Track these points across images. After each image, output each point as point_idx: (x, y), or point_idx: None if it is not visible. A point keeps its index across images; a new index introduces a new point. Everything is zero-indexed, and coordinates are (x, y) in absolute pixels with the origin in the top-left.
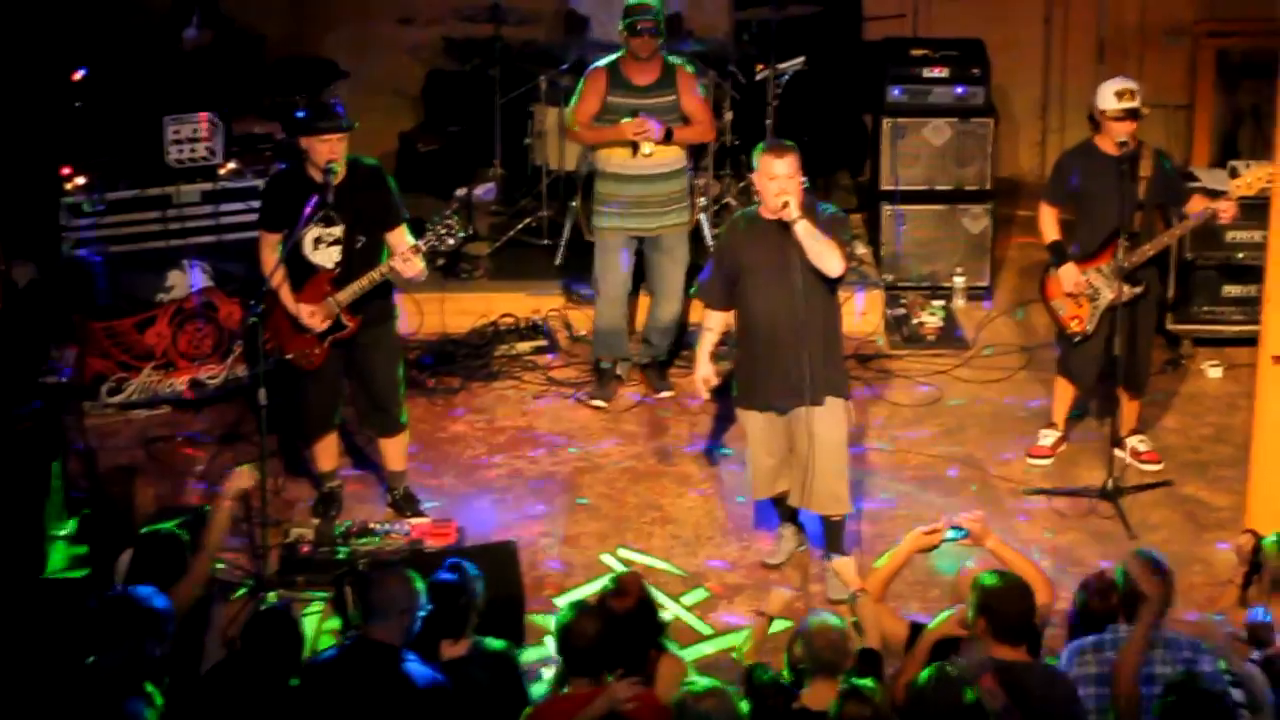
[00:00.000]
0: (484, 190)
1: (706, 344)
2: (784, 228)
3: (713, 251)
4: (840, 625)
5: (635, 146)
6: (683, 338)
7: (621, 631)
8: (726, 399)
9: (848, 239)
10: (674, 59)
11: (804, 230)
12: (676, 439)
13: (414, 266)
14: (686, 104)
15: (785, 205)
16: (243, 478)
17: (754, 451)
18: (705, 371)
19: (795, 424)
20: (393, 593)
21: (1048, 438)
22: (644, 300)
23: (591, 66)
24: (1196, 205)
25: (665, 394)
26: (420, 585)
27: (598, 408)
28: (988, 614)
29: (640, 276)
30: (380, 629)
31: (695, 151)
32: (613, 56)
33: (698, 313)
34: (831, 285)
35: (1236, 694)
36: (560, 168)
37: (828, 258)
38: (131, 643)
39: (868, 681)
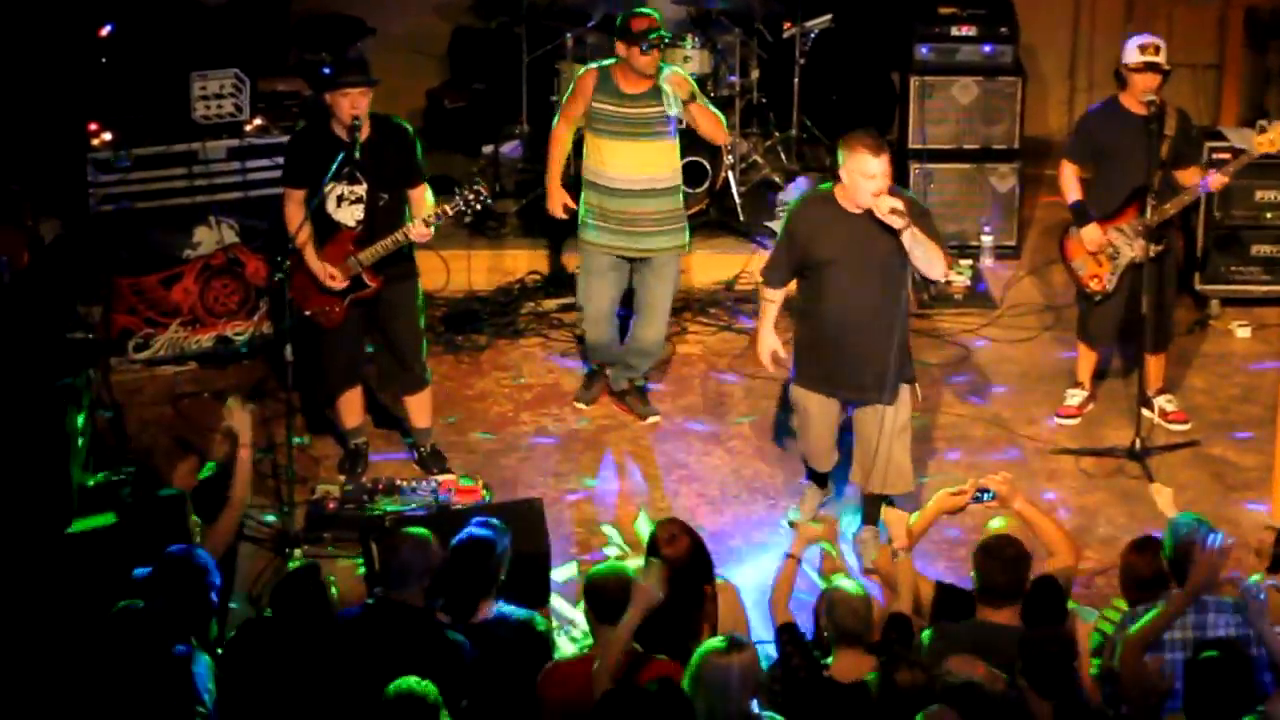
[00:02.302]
0: (510, 147)
1: (770, 317)
2: (871, 221)
3: (781, 233)
4: (861, 593)
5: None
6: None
7: (681, 576)
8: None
9: (937, 230)
10: (667, 67)
11: (912, 239)
12: (704, 397)
13: (426, 233)
14: (691, 112)
15: (893, 211)
16: (233, 415)
17: (812, 430)
18: (773, 344)
19: (862, 412)
20: (407, 559)
21: (1075, 397)
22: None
23: (585, 68)
24: (1192, 177)
25: (653, 419)
26: (434, 543)
27: (579, 409)
28: (977, 573)
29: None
30: (399, 594)
31: (721, 109)
32: (606, 61)
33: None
34: (908, 274)
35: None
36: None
37: (935, 264)
38: (176, 595)
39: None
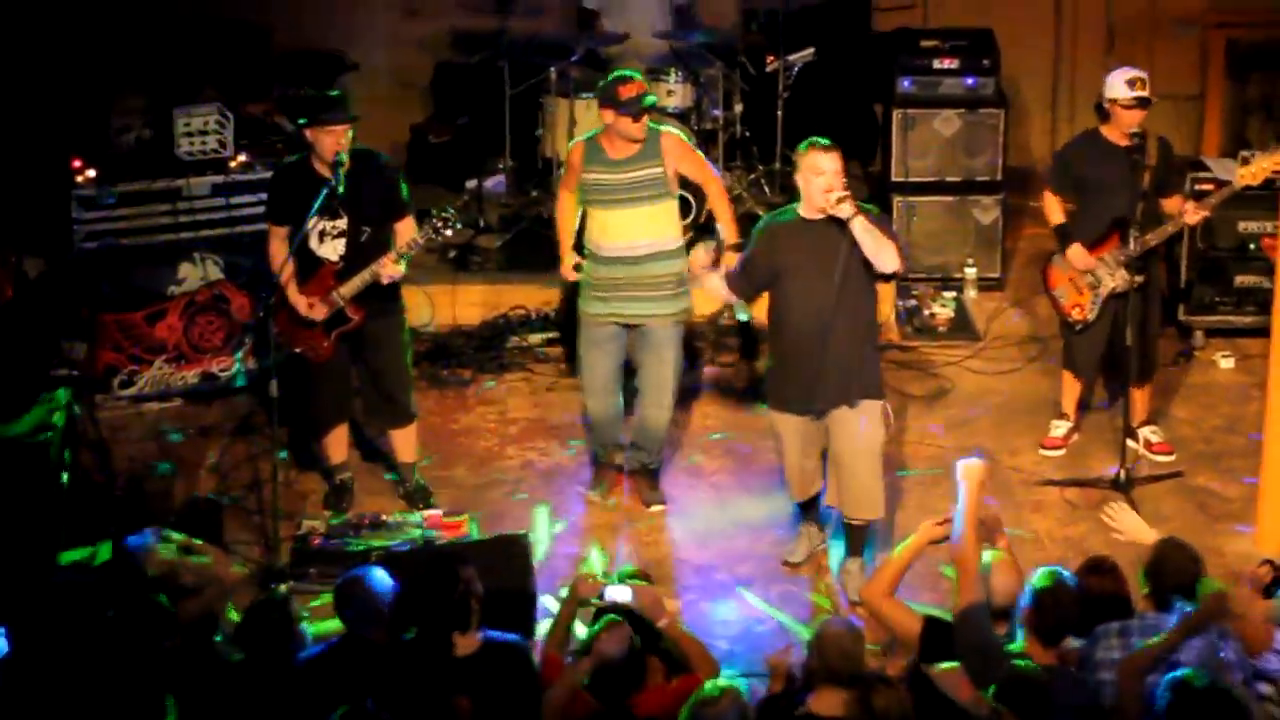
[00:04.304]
0: (494, 182)
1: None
2: (829, 226)
3: (744, 255)
4: (855, 633)
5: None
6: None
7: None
8: (741, 396)
9: (893, 232)
10: (656, 125)
11: (861, 226)
12: (688, 431)
13: (395, 271)
14: (690, 173)
15: (840, 201)
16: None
17: (789, 454)
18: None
19: (832, 426)
20: (362, 601)
21: (1059, 429)
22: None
23: (574, 141)
24: (1172, 206)
25: (657, 508)
26: (383, 582)
27: (591, 501)
28: (1036, 609)
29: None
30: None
31: (705, 143)
32: (592, 132)
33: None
34: (873, 284)
35: (1263, 687)
36: None
37: (886, 254)
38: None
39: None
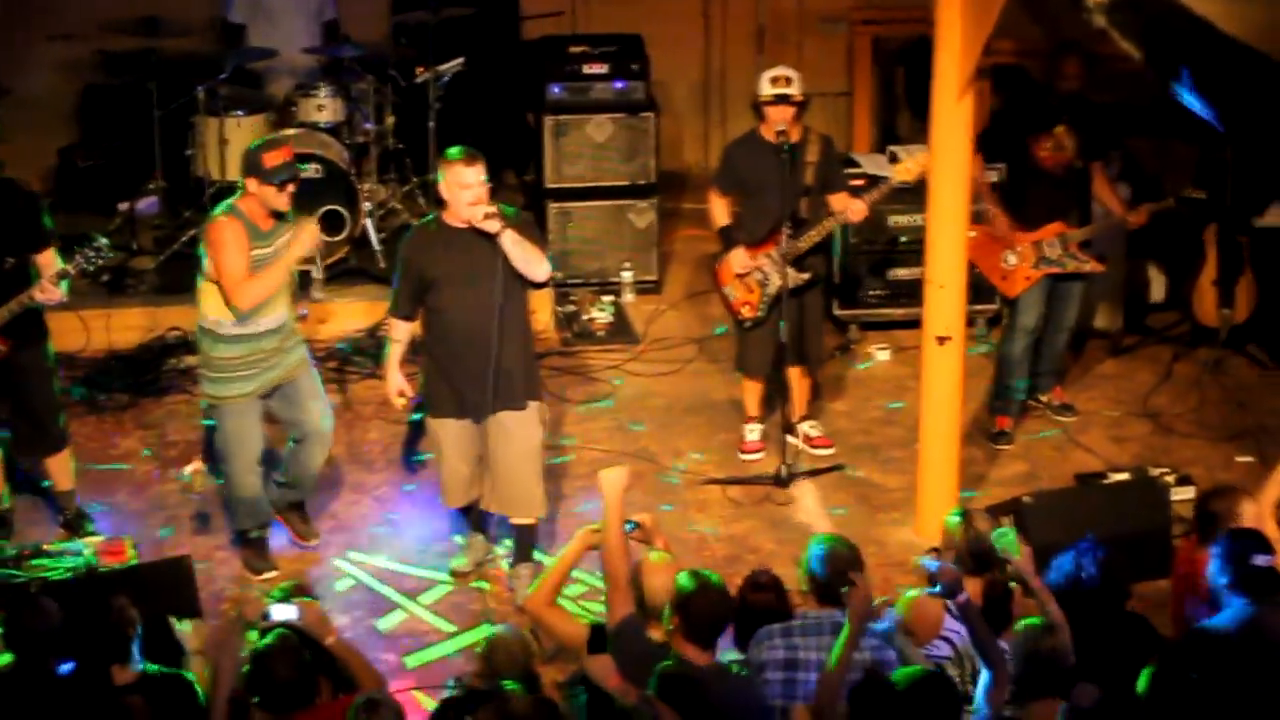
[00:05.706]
0: (146, 204)
1: (396, 356)
2: (477, 233)
3: (398, 264)
4: (522, 638)
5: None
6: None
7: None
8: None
9: (541, 239)
10: None
11: (511, 240)
12: (349, 447)
13: (55, 294)
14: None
15: (487, 216)
16: None
17: (448, 460)
18: (399, 383)
19: (490, 429)
20: (30, 629)
21: (753, 432)
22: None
23: (217, 218)
24: (838, 204)
25: (315, 541)
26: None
27: (270, 579)
28: (682, 613)
29: None
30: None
31: (357, 157)
32: (230, 202)
33: None
34: (525, 289)
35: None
36: (222, 178)
37: (535, 265)
38: None
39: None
